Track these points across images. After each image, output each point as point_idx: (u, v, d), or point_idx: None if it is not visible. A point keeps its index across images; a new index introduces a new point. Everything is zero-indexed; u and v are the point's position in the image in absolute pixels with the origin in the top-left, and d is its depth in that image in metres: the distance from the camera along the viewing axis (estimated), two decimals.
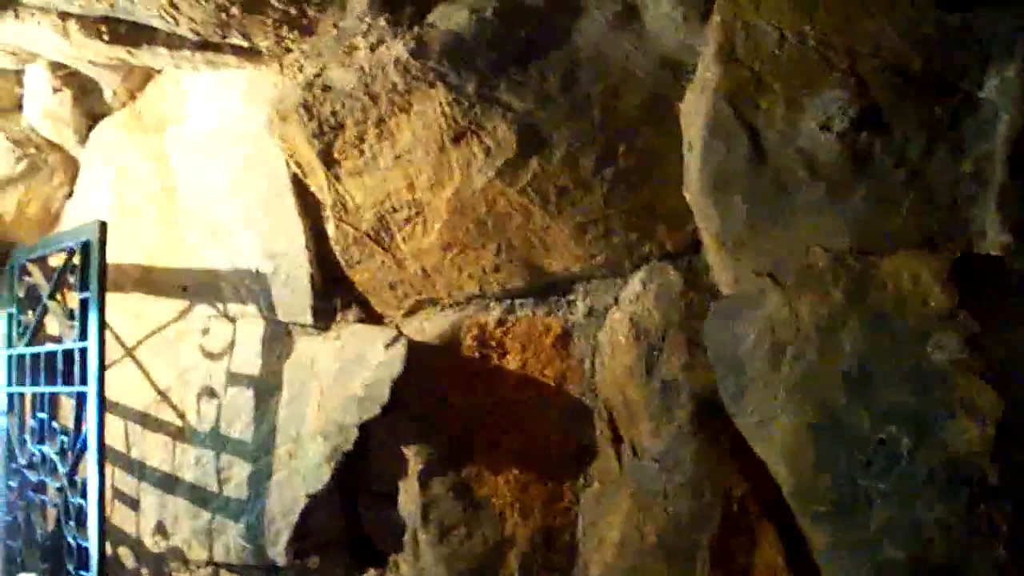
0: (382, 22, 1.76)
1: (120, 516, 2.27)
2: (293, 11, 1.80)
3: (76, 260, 2.23)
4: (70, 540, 2.25)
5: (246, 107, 2.04)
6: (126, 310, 2.32)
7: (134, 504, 2.31)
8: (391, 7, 1.74)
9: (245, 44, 1.92)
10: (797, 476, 1.27)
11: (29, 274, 2.53)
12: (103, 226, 2.14)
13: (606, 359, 1.63)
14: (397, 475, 1.83)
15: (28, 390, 2.49)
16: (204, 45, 2.00)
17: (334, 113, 1.80)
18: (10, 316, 2.60)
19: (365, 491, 1.90)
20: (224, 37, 1.92)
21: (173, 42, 2.00)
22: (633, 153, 1.54)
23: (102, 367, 2.09)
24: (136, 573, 2.30)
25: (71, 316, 2.25)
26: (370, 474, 1.88)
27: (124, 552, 2.30)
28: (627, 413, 1.59)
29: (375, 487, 1.89)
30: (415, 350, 1.78)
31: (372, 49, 1.77)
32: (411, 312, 1.89)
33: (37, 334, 2.51)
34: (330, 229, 1.92)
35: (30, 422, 2.49)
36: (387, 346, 1.82)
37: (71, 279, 2.30)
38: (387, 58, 1.73)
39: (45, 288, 2.43)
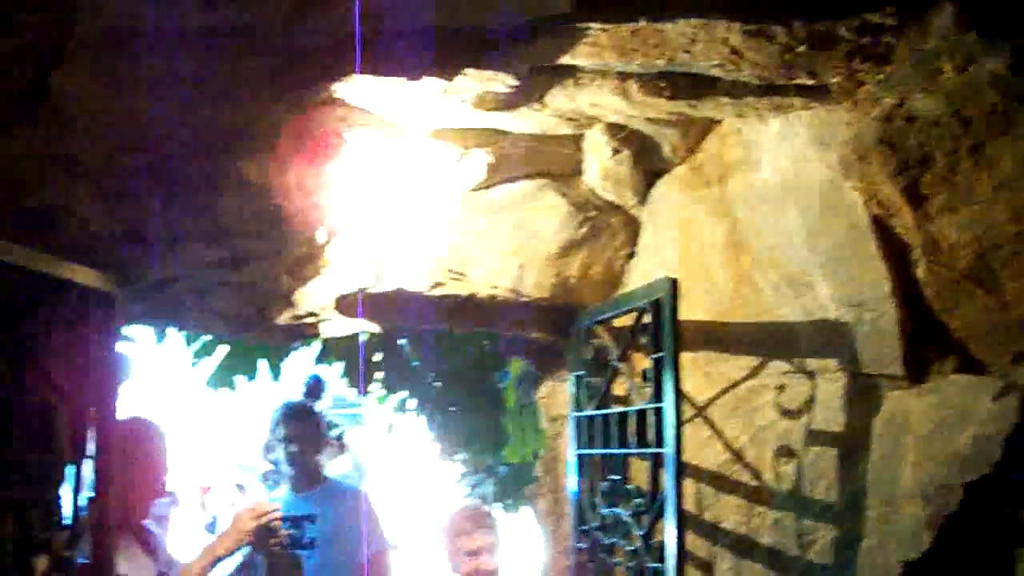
0: (971, 39, 2.07)
1: None
2: (866, 41, 2.20)
3: (646, 319, 2.91)
4: None
5: (815, 150, 2.52)
6: (695, 369, 2.94)
7: (707, 568, 2.89)
8: (979, 23, 2.05)
9: (812, 83, 2.39)
10: None
11: (596, 336, 3.31)
12: (674, 284, 2.78)
13: None
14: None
15: (599, 452, 3.22)
16: (768, 90, 2.51)
17: (919, 145, 2.18)
18: (578, 379, 3.41)
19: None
20: (790, 79, 2.42)
21: (735, 90, 2.55)
22: None
23: (679, 428, 2.70)
24: None
25: (644, 377, 2.92)
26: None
27: None
28: None
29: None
30: None
31: (960, 70, 2.10)
32: (1020, 359, 2.14)
33: (605, 396, 3.25)
34: (919, 272, 2.29)
35: (601, 484, 3.20)
36: (995, 398, 2.10)
37: (641, 339, 2.98)
38: (980, 78, 2.04)
39: (613, 350, 3.17)
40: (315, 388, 7.93)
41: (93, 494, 2.59)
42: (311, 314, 3.11)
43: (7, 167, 2.22)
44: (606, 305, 3.31)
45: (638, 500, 2.95)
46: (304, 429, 4.18)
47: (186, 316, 3.10)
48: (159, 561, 3.19)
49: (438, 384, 5.34)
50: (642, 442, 2.93)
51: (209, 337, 4.62)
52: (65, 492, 2.57)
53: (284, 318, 3.08)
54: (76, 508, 2.58)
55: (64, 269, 2.44)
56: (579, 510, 3.42)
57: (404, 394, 5.88)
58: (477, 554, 3.51)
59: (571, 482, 3.46)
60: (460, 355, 5.02)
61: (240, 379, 5.07)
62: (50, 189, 2.39)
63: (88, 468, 2.60)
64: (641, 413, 2.93)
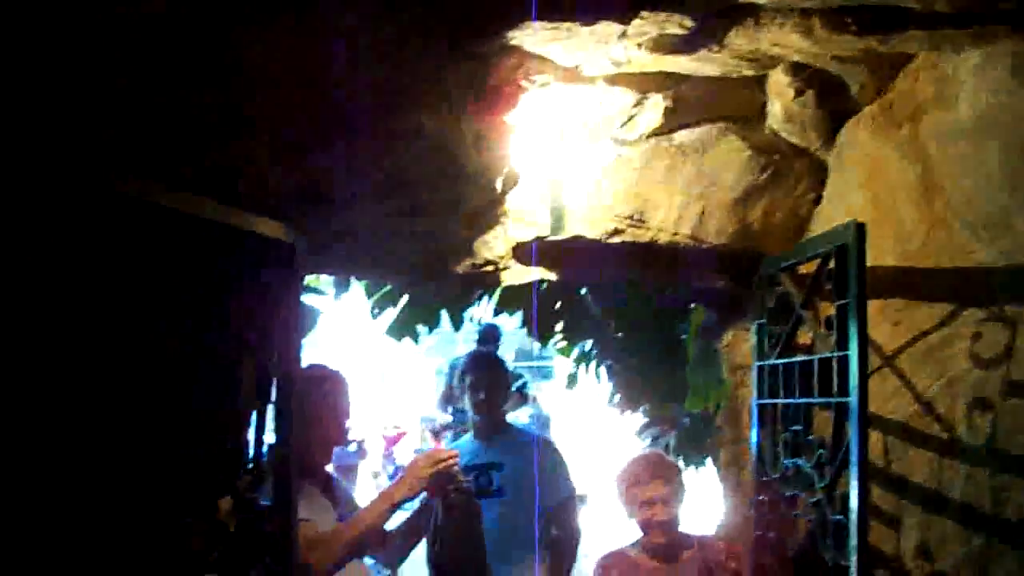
0: None
1: (877, 535, 2.79)
2: None
3: (831, 266, 2.84)
4: (827, 558, 2.83)
5: (1019, 83, 2.38)
6: (882, 317, 2.86)
7: (893, 522, 2.83)
8: None
9: (1017, 7, 2.25)
10: None
11: (779, 284, 3.25)
12: (861, 228, 2.70)
13: None
14: None
15: (781, 402, 3.19)
16: (966, 19, 2.39)
17: None
18: (760, 327, 3.38)
19: None
20: (992, 5, 2.28)
21: (928, 22, 2.43)
22: None
23: (864, 377, 2.64)
24: None
25: (828, 325, 2.86)
26: None
27: (880, 573, 2.81)
28: None
29: None
30: None
31: None
32: None
33: (788, 345, 3.20)
34: None
35: (783, 435, 3.17)
36: None
37: (826, 286, 2.91)
38: None
39: (797, 297, 3.12)
40: (489, 335, 8.17)
41: (276, 439, 2.70)
42: (489, 263, 3.18)
43: (189, 124, 2.33)
44: (789, 251, 3.25)
45: (821, 451, 2.91)
46: (490, 377, 4.31)
47: (365, 266, 3.23)
48: (340, 507, 3.28)
49: (619, 334, 5.35)
50: (826, 392, 2.89)
51: (389, 287, 4.76)
52: (249, 437, 2.69)
53: (462, 267, 3.16)
54: (259, 453, 2.68)
55: (247, 220, 2.54)
56: (760, 461, 3.40)
57: (586, 345, 5.95)
58: (652, 504, 3.52)
59: (753, 433, 3.45)
60: (640, 305, 5.00)
61: (421, 330, 5.20)
62: (230, 146, 2.48)
63: (271, 414, 2.71)
64: (825, 362, 2.88)
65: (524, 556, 4.18)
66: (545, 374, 13.97)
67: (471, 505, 3.31)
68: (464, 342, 8.53)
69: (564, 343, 5.98)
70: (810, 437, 2.99)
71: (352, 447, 13.67)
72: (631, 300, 4.90)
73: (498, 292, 4.79)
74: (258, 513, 2.64)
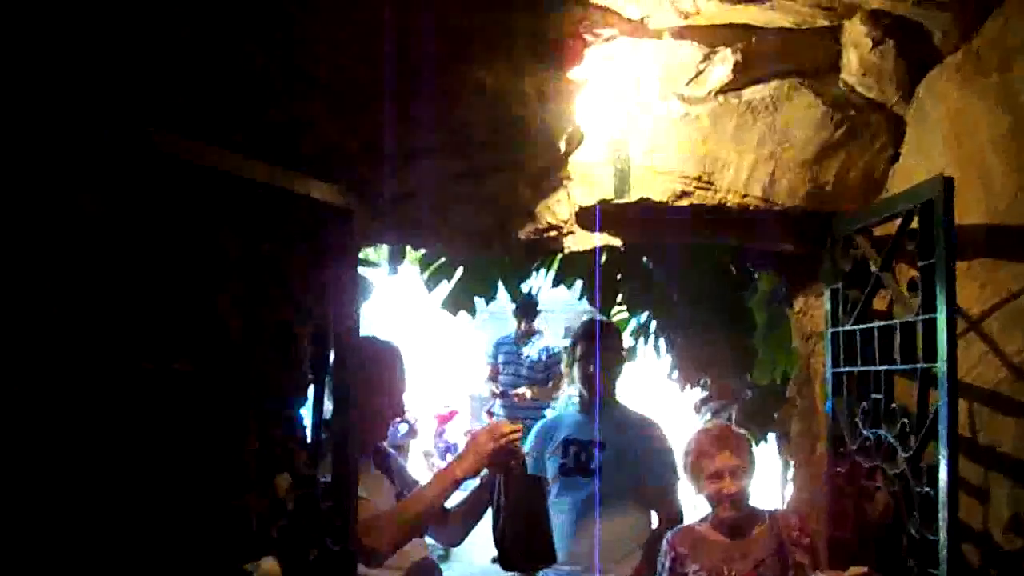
0: None
1: (964, 508, 2.68)
2: None
3: (913, 224, 2.73)
4: (912, 532, 2.74)
5: None
6: (967, 279, 2.75)
7: (981, 494, 2.72)
8: None
9: None
10: None
11: (855, 246, 3.14)
12: (948, 183, 2.59)
13: None
14: None
15: (858, 370, 3.09)
16: None
17: None
18: (834, 292, 3.28)
19: None
20: None
21: None
22: None
23: (952, 341, 2.53)
24: (983, 572, 2.67)
25: (911, 287, 2.75)
26: None
27: (968, 548, 2.70)
28: None
29: None
30: None
31: None
32: None
33: (865, 310, 3.09)
34: None
35: (861, 404, 3.07)
36: None
37: (908, 247, 2.80)
38: None
39: (875, 259, 3.00)
40: (528, 307, 8.09)
41: (334, 412, 2.64)
42: (552, 228, 3.09)
43: (247, 82, 2.29)
44: (866, 211, 3.14)
45: (904, 420, 2.81)
46: (604, 347, 4.15)
47: (425, 233, 3.14)
48: (397, 484, 3.21)
49: (680, 304, 5.22)
50: (909, 358, 2.79)
51: (443, 260, 4.65)
52: (306, 411, 2.64)
53: (525, 232, 3.07)
54: (318, 427, 2.64)
55: (304, 184, 2.49)
56: (836, 432, 3.30)
57: (642, 317, 5.82)
58: (719, 476, 3.42)
59: (828, 403, 3.35)
60: (704, 273, 4.86)
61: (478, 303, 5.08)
62: (288, 104, 2.45)
63: (328, 387, 2.65)
64: (908, 326, 2.78)
65: (613, 543, 4.06)
66: None
67: (535, 481, 3.23)
68: (514, 318, 8.43)
69: (624, 314, 5.87)
70: (893, 406, 2.89)
71: (403, 427, 13.74)
72: (695, 268, 4.74)
73: (556, 261, 4.67)
74: (317, 491, 2.60)
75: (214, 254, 2.28)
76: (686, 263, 4.71)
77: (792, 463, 3.83)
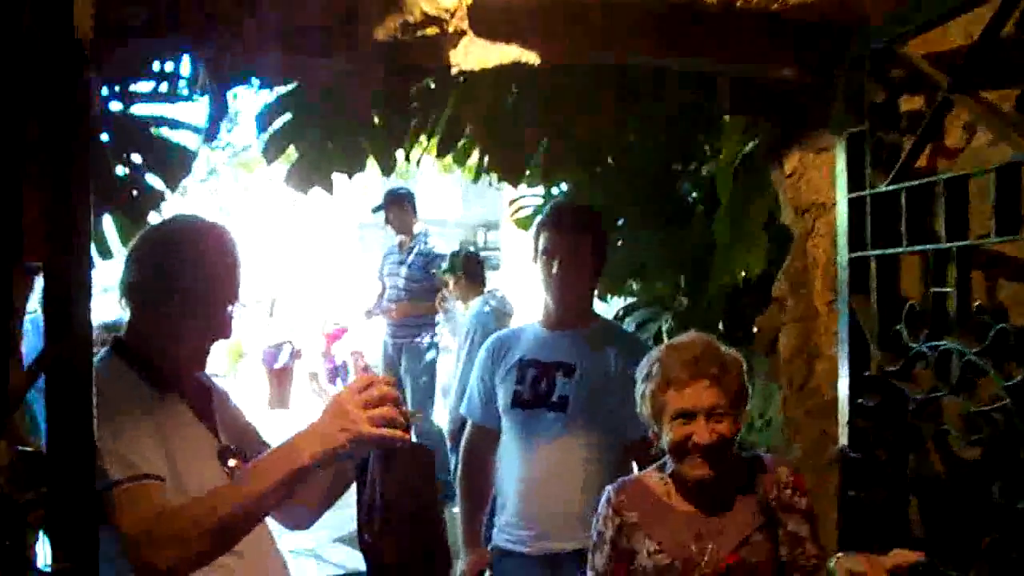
0: None
1: None
2: None
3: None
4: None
5: None
6: None
7: None
8: None
9: None
10: None
11: (889, 67, 2.27)
12: None
13: None
14: None
15: (902, 252, 2.20)
16: None
17: None
18: (854, 139, 2.39)
19: None
20: None
21: None
22: None
23: None
24: None
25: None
26: None
27: None
28: None
29: None
30: None
31: None
32: None
33: (909, 161, 2.17)
34: None
35: (908, 304, 2.19)
36: None
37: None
38: None
39: (938, 77, 2.05)
40: (396, 199, 7.03)
41: (48, 336, 1.62)
42: (429, 21, 1.96)
43: None
44: (914, 10, 2.15)
45: (1003, 327, 1.88)
46: (577, 244, 3.04)
47: (233, 41, 2.00)
48: (222, 437, 2.14)
49: (611, 176, 4.03)
50: (1008, 226, 1.84)
51: (284, 89, 3.23)
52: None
53: (385, 31, 1.95)
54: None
55: None
56: (858, 346, 2.36)
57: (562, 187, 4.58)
58: (690, 417, 2.32)
59: (843, 303, 2.40)
60: (648, 130, 3.65)
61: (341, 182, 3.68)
62: None
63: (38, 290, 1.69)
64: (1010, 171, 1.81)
65: (575, 506, 2.99)
66: (493, 265, 12.99)
67: (424, 455, 2.08)
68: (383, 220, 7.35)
69: (526, 212, 4.74)
70: (978, 304, 1.94)
71: (285, 349, 12.84)
72: (637, 122, 3.53)
73: (446, 114, 3.39)
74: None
75: None
76: (621, 113, 3.45)
77: (779, 392, 2.83)
